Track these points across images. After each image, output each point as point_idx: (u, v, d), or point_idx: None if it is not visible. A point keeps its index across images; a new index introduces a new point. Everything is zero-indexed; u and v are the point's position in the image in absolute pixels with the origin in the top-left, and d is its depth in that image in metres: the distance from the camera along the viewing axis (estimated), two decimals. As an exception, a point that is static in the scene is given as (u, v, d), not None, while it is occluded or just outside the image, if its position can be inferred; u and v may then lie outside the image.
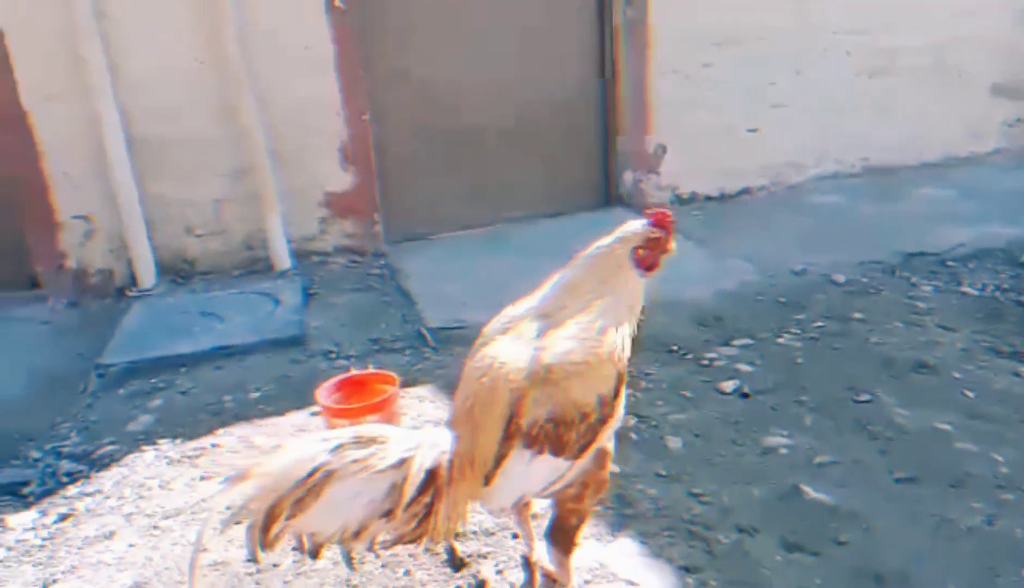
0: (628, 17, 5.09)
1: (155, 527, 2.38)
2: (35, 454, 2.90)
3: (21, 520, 2.49)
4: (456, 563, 2.09)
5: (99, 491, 2.61)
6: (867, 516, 2.26)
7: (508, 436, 1.62)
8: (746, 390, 3.03)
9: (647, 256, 1.73)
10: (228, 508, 1.48)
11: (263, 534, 1.49)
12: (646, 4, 5.05)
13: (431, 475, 1.59)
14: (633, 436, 2.73)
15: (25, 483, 2.70)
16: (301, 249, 4.69)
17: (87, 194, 4.29)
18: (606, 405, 1.65)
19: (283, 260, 4.56)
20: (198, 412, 3.13)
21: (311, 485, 1.50)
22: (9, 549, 2.36)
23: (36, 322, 4.14)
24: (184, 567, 2.16)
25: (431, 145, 4.99)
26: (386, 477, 1.55)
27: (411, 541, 1.62)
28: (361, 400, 2.68)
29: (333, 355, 3.51)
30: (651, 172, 5.43)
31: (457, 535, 2.16)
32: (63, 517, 2.48)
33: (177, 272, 4.54)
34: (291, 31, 4.41)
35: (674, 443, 2.69)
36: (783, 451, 2.62)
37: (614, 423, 1.71)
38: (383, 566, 2.12)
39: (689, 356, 3.37)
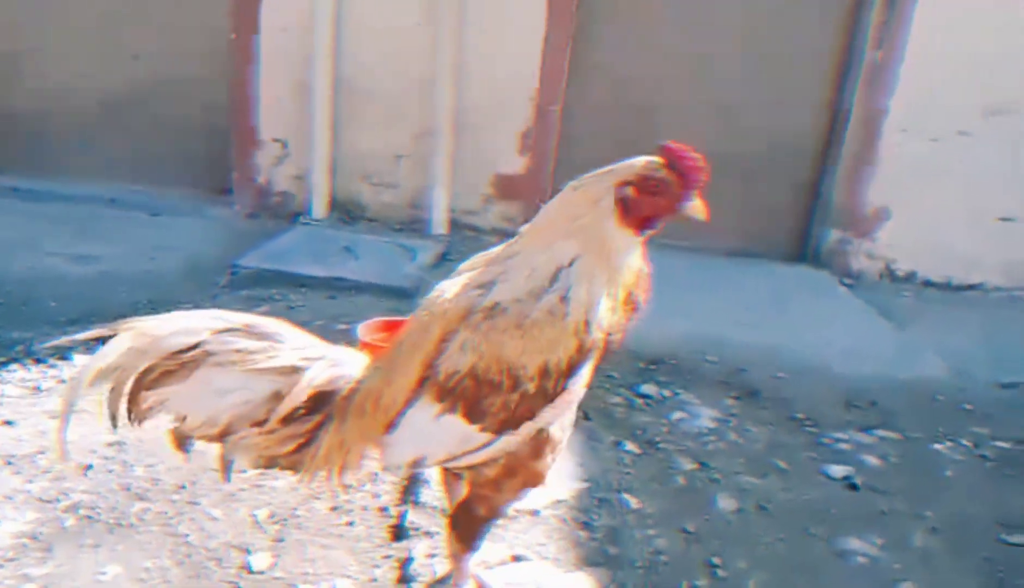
0: (877, 60, 4.47)
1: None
2: (139, 319, 3.12)
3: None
4: (398, 531, 1.84)
5: (156, 360, 2.71)
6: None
7: (419, 380, 1.35)
8: (858, 481, 2.44)
9: (640, 202, 1.31)
10: (100, 364, 1.30)
11: (131, 400, 1.34)
12: (904, 45, 4.41)
13: (323, 397, 1.37)
14: (683, 480, 2.29)
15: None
16: (460, 220, 4.68)
17: (288, 123, 4.61)
18: (552, 377, 1.31)
19: (440, 225, 4.58)
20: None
21: (183, 361, 1.33)
22: (63, 381, 2.52)
23: (217, 222, 4.54)
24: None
25: (616, 149, 4.72)
26: (268, 380, 1.34)
27: (288, 468, 1.39)
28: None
29: (433, 315, 3.41)
30: (864, 236, 4.73)
31: (413, 503, 1.92)
32: (116, 372, 2.60)
33: (347, 211, 4.73)
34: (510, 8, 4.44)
35: (727, 504, 2.21)
36: (862, 560, 2.04)
37: (563, 405, 1.36)
38: (334, 509, 1.94)
39: (812, 429, 2.81)
